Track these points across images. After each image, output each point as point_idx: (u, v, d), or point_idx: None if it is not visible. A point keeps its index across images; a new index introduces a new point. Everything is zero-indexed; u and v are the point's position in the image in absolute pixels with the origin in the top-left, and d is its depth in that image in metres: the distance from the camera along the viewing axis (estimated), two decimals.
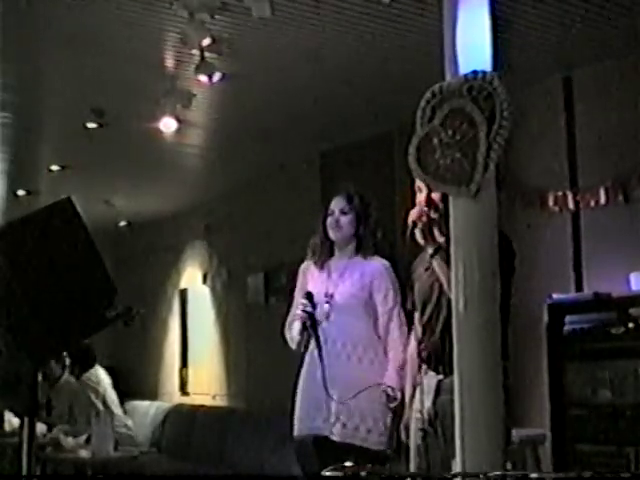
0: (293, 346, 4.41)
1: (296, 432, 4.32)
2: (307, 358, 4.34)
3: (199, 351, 9.97)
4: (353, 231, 4.37)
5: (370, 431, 4.16)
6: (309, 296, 4.30)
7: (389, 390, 4.12)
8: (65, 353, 7.59)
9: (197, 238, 10.01)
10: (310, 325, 4.26)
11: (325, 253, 4.42)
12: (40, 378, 7.48)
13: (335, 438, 4.15)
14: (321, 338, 4.24)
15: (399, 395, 4.10)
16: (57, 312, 2.35)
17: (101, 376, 7.79)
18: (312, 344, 4.30)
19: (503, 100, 3.00)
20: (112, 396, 7.75)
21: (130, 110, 6.23)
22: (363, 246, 4.37)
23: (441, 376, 3.63)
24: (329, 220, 4.38)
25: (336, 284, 4.33)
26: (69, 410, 7.77)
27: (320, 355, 4.20)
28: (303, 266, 4.54)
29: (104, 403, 7.57)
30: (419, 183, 3.69)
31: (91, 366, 7.75)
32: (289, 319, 4.47)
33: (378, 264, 4.35)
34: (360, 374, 4.20)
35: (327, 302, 4.30)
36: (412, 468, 3.72)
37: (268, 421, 7.53)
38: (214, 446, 8.19)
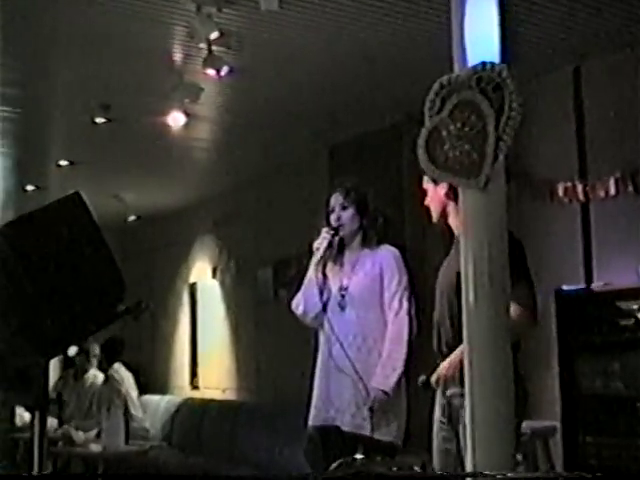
0: (308, 314, 4.40)
1: (310, 421, 4.35)
2: (320, 349, 4.36)
3: (209, 345, 9.98)
4: (357, 224, 4.39)
5: (379, 422, 4.18)
6: (335, 231, 4.35)
7: (370, 391, 4.14)
8: (97, 346, 7.62)
9: (206, 232, 10.02)
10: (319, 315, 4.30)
11: (335, 248, 4.43)
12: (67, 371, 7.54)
13: (345, 428, 4.18)
14: (335, 330, 4.26)
15: (381, 396, 4.14)
16: (67, 306, 2.36)
17: (124, 375, 7.82)
18: (325, 336, 4.31)
19: (512, 91, 2.99)
20: (133, 396, 7.78)
21: (138, 105, 6.23)
22: (367, 237, 4.39)
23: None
24: (332, 217, 4.40)
25: (349, 277, 4.35)
26: (89, 405, 7.81)
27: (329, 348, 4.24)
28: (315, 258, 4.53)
29: (125, 403, 7.60)
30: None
31: (119, 358, 7.78)
32: (298, 295, 4.48)
33: (387, 252, 4.37)
34: (368, 366, 4.21)
35: (342, 295, 4.32)
36: (434, 455, 3.73)
37: (278, 414, 7.53)
38: (224, 440, 8.20)
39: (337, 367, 4.22)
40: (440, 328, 3.67)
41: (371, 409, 4.11)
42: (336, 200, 4.43)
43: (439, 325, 3.68)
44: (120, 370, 7.85)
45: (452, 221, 3.73)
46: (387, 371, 4.18)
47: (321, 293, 4.32)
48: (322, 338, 4.35)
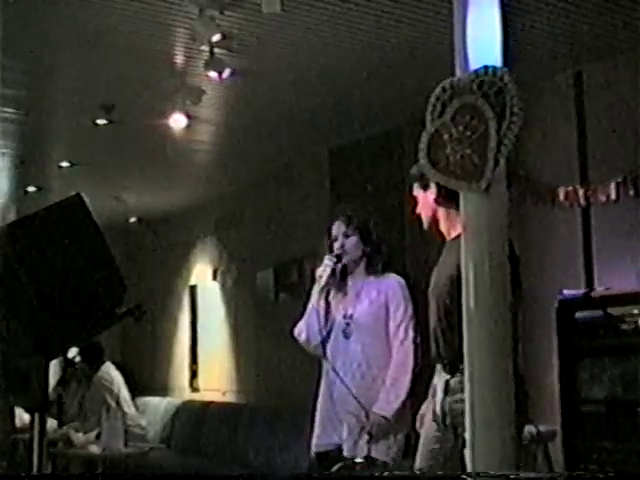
0: (311, 342, 4.38)
1: (313, 449, 4.34)
2: (324, 375, 4.35)
3: (209, 347, 9.98)
4: (360, 251, 4.37)
5: (379, 444, 4.17)
6: (338, 258, 4.33)
7: (372, 416, 4.13)
8: (75, 352, 7.65)
9: (207, 234, 10.02)
10: (320, 344, 4.30)
11: (338, 276, 4.39)
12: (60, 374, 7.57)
13: (347, 455, 4.17)
14: (339, 358, 4.26)
15: (381, 421, 4.13)
16: (67, 308, 2.35)
17: (114, 375, 7.82)
18: (328, 363, 4.30)
19: (513, 95, 2.99)
20: (125, 395, 7.77)
21: (140, 106, 6.24)
22: (371, 264, 4.37)
23: (448, 376, 3.63)
24: (335, 246, 4.37)
25: (354, 305, 4.32)
26: (80, 407, 7.81)
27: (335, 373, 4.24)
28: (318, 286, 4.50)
29: (117, 402, 7.60)
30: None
31: (102, 363, 7.78)
32: (300, 323, 4.46)
33: (393, 281, 4.35)
34: (372, 393, 4.21)
35: (347, 323, 4.30)
36: (418, 457, 3.72)
37: (278, 417, 7.53)
38: (224, 442, 8.20)
39: (340, 395, 4.21)
40: (437, 334, 3.67)
41: (370, 434, 4.10)
42: (338, 229, 4.38)
43: (435, 331, 3.68)
44: (110, 370, 7.84)
45: (443, 226, 3.74)
46: (390, 397, 4.17)
47: (325, 321, 4.31)
48: (326, 365, 4.34)
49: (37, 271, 2.34)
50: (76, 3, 4.61)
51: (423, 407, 3.91)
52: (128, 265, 9.30)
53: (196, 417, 8.99)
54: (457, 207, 3.52)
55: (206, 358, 10.06)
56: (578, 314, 5.13)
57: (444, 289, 3.62)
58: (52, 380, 7.19)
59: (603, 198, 5.43)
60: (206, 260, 10.12)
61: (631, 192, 5.29)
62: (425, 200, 3.80)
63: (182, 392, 10.33)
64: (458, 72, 3.17)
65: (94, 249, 2.46)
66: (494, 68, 3.06)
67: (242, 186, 9.00)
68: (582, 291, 5.35)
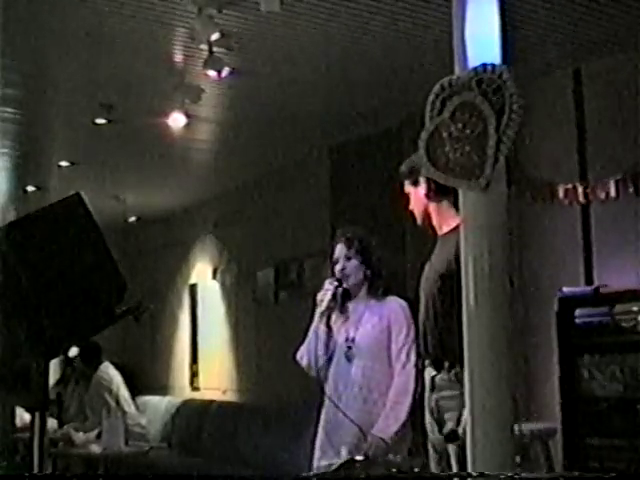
0: (313, 367, 4.37)
1: (314, 471, 4.34)
2: (326, 399, 4.35)
3: (209, 346, 9.99)
4: (362, 274, 4.36)
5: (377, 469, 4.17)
6: (339, 282, 4.33)
7: (370, 438, 4.13)
8: (75, 352, 7.65)
9: (207, 233, 10.03)
10: (319, 369, 4.30)
11: (339, 300, 4.39)
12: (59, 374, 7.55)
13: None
14: (340, 381, 4.27)
15: (379, 443, 4.13)
16: (67, 308, 2.36)
17: (113, 374, 7.82)
18: (330, 387, 4.31)
19: (513, 93, 2.99)
20: (125, 394, 7.78)
21: (139, 105, 6.24)
22: (372, 287, 4.37)
23: (434, 372, 3.64)
24: (337, 269, 4.37)
25: (356, 328, 4.32)
26: (79, 406, 7.81)
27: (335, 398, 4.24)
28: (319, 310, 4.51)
29: (117, 401, 7.60)
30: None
31: (100, 362, 7.78)
32: (302, 347, 4.45)
33: (395, 304, 4.34)
34: (373, 417, 4.21)
35: (349, 347, 4.30)
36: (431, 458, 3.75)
37: (278, 416, 7.53)
38: (224, 441, 8.21)
39: (340, 418, 4.20)
40: (425, 330, 3.67)
41: (366, 456, 4.09)
42: (340, 251, 4.38)
43: (424, 327, 3.68)
44: (108, 369, 7.85)
45: (435, 221, 3.75)
46: (389, 421, 4.16)
47: (326, 345, 4.31)
48: (327, 389, 4.32)
49: (37, 270, 2.34)
50: (75, 3, 4.61)
51: None
52: (128, 264, 9.29)
53: (196, 416, 9.00)
54: (448, 201, 3.57)
55: (206, 357, 10.07)
56: (578, 311, 5.14)
57: (434, 285, 3.64)
58: (51, 379, 7.18)
59: (602, 195, 5.44)
60: (206, 259, 10.12)
61: (630, 189, 5.30)
62: (416, 196, 3.83)
63: (182, 391, 10.33)
64: (457, 70, 3.17)
65: (94, 248, 2.46)
66: (493, 66, 3.06)
67: (242, 185, 9.00)
68: (582, 288, 5.36)
